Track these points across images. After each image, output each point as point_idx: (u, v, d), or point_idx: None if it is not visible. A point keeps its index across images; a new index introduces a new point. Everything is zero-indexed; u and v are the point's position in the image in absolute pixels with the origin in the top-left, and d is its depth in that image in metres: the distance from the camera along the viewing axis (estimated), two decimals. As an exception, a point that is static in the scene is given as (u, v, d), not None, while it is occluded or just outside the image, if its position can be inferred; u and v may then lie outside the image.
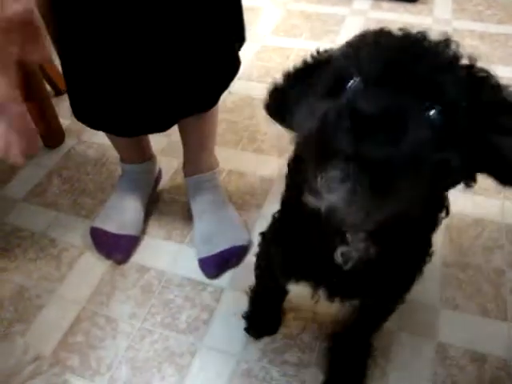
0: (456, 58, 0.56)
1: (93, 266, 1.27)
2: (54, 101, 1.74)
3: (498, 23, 2.21)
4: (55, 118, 1.66)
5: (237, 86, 1.85)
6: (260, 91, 1.92)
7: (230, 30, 1.12)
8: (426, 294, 1.17)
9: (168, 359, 1.08)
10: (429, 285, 1.19)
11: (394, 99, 0.48)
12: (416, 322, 1.12)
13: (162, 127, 1.15)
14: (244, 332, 1.10)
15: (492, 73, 0.60)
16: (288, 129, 0.67)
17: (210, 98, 1.17)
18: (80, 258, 1.29)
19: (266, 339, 1.10)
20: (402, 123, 0.47)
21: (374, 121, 0.46)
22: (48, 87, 1.78)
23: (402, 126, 0.47)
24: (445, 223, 1.30)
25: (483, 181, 1.48)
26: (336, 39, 2.15)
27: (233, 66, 1.18)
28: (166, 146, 1.60)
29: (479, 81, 0.57)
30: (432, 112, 0.50)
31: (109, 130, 1.21)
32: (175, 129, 1.25)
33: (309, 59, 0.68)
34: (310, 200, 0.54)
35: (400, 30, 0.58)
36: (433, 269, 1.22)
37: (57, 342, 1.11)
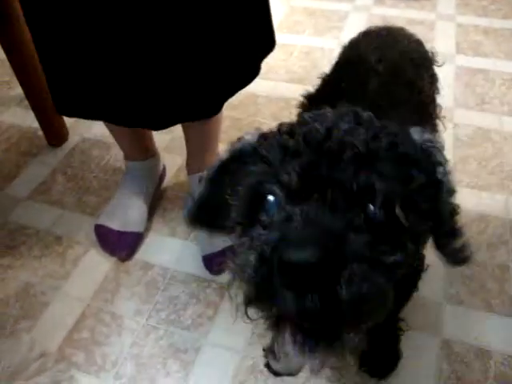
0: (376, 139, 0.53)
1: (97, 263, 1.27)
2: (58, 99, 1.74)
3: (503, 18, 2.20)
4: (59, 116, 1.66)
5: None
6: (264, 88, 1.94)
7: (251, 37, 1.06)
8: (430, 291, 1.17)
9: (173, 355, 1.08)
10: (433, 281, 1.19)
11: (323, 232, 0.45)
12: (421, 319, 1.12)
13: (159, 125, 1.12)
14: (249, 328, 1.11)
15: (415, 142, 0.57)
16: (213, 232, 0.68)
17: (215, 106, 1.13)
18: (85, 256, 1.29)
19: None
20: (337, 260, 0.44)
21: (307, 269, 0.43)
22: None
23: (341, 263, 0.45)
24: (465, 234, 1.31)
25: (487, 177, 1.49)
26: (339, 35, 2.14)
27: (248, 74, 1.12)
28: (170, 143, 1.61)
29: (408, 161, 0.54)
30: (371, 211, 0.49)
31: (95, 116, 1.16)
32: (178, 126, 1.25)
33: (224, 156, 0.64)
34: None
35: (309, 118, 0.56)
36: (437, 265, 1.21)
37: (62, 338, 1.12)
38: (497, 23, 2.16)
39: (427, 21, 2.21)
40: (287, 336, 0.50)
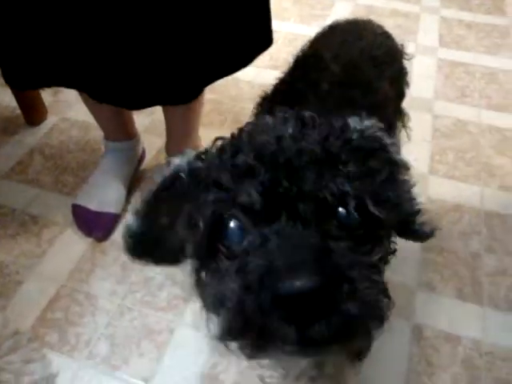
0: (328, 139, 0.50)
1: (73, 243, 1.26)
2: (38, 77, 1.71)
3: (486, 13, 2.22)
4: (37, 94, 1.64)
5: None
6: (246, 72, 1.91)
7: (244, 30, 1.02)
8: (404, 277, 1.19)
9: (147, 336, 1.08)
10: (407, 268, 1.21)
11: (309, 253, 0.42)
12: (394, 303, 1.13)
13: (133, 105, 1.09)
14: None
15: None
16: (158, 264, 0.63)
17: (194, 90, 1.09)
18: (61, 236, 1.28)
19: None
20: (334, 280, 0.42)
21: (311, 297, 0.40)
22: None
23: (337, 283, 0.42)
24: (425, 207, 1.33)
25: (464, 168, 1.51)
26: (324, 23, 2.13)
27: (233, 65, 1.08)
28: (150, 125, 1.59)
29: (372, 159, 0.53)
30: (342, 214, 0.47)
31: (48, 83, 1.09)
32: (159, 108, 1.24)
33: (155, 186, 0.59)
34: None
35: (250, 130, 0.53)
36: (412, 252, 1.24)
37: (35, 317, 1.11)
38: (480, 18, 2.18)
39: (412, 13, 2.22)
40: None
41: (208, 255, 0.51)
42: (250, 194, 0.46)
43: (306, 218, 0.45)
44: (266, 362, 1.01)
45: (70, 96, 1.74)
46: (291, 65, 1.02)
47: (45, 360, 1.01)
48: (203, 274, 0.54)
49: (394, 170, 0.56)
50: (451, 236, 1.28)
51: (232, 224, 0.47)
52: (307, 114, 0.54)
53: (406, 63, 1.15)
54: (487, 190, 1.40)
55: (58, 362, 1.03)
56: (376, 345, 1.04)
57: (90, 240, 1.26)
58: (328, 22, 2.10)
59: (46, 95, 1.71)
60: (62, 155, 1.52)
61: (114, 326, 1.10)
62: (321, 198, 0.45)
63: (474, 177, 1.43)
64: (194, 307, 1.13)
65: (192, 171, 0.55)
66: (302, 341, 0.42)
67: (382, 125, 0.58)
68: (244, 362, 1.04)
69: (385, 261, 0.53)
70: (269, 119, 0.54)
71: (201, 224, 0.49)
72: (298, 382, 0.91)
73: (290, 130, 0.50)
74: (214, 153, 0.54)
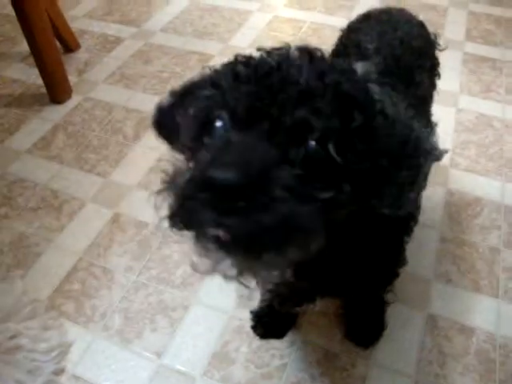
0: (321, 76, 0.53)
1: (92, 218, 1.28)
2: (64, 58, 1.74)
3: (517, 9, 2.18)
4: (64, 74, 1.66)
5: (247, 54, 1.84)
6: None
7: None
8: (421, 267, 1.18)
9: (161, 312, 1.09)
10: (424, 258, 1.20)
11: (255, 152, 0.46)
12: (409, 293, 1.13)
13: None
14: (237, 290, 1.12)
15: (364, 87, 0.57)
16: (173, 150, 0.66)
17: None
18: (80, 211, 1.30)
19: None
20: (264, 183, 0.45)
21: (234, 190, 0.44)
22: (58, 44, 1.77)
23: (266, 186, 0.45)
24: (445, 200, 1.32)
25: (486, 162, 1.49)
26: (350, 14, 2.12)
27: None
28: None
29: (351, 100, 0.53)
30: (310, 145, 0.49)
31: None
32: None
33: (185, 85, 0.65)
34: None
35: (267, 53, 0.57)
36: (429, 243, 1.23)
37: (53, 288, 1.13)
38: (509, 13, 2.14)
39: (440, 6, 2.19)
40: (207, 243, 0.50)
41: (194, 148, 0.55)
42: (238, 99, 0.50)
43: (273, 137, 0.49)
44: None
45: (95, 76, 1.76)
46: (331, 53, 1.02)
47: (61, 328, 1.03)
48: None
49: (374, 122, 0.55)
50: (470, 229, 1.26)
51: (217, 123, 0.52)
52: (320, 52, 0.58)
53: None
54: (509, 186, 1.38)
55: (73, 331, 1.05)
56: (389, 332, 1.05)
57: (108, 216, 1.28)
58: (355, 12, 2.11)
59: (72, 75, 1.73)
60: (85, 133, 1.54)
61: (129, 300, 1.11)
62: (287, 124, 0.49)
63: (496, 172, 1.41)
64: (209, 286, 1.14)
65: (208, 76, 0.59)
66: (218, 226, 0.46)
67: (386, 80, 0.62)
68: (256, 341, 1.04)
69: (338, 207, 0.53)
70: (288, 48, 0.58)
71: (192, 114, 0.55)
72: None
73: (296, 62, 0.54)
74: (227, 63, 0.58)
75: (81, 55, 1.89)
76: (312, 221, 0.49)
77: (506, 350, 1.04)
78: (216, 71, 0.59)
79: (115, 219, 1.28)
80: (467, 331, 1.07)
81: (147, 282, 1.15)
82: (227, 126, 0.51)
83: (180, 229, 0.51)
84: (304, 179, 0.49)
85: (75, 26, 2.00)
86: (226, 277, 0.53)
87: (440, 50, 1.14)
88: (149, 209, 1.30)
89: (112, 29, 2.04)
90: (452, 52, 1.89)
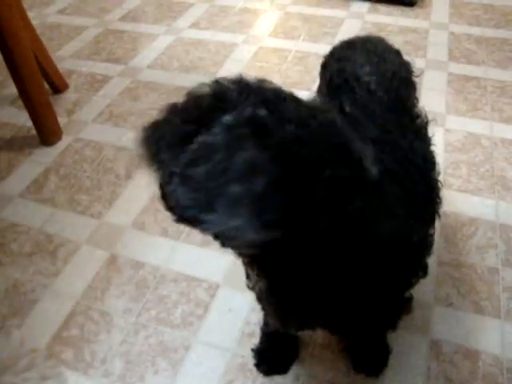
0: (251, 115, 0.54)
1: (88, 261, 1.27)
2: (52, 99, 1.75)
3: (495, 27, 2.23)
4: (53, 115, 1.66)
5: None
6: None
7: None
8: (421, 292, 1.17)
9: (162, 354, 1.08)
10: (424, 283, 1.19)
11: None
12: (411, 319, 1.12)
13: None
14: (239, 327, 1.11)
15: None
16: None
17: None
18: (75, 254, 1.29)
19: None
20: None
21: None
22: (46, 85, 1.78)
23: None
24: (440, 222, 1.32)
25: (478, 181, 1.50)
26: (333, 41, 2.16)
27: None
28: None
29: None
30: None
31: None
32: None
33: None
34: None
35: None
36: (428, 267, 1.23)
37: (51, 335, 1.11)
38: (489, 32, 2.19)
39: (420, 29, 2.23)
40: None
41: None
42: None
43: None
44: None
45: (84, 116, 1.77)
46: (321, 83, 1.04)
47: (61, 377, 1.01)
48: None
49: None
50: (467, 250, 1.26)
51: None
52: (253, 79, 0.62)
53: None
54: (502, 203, 1.38)
55: (73, 379, 1.03)
56: (393, 361, 1.04)
57: (104, 258, 1.27)
58: (337, 39, 2.14)
59: (61, 116, 1.74)
60: (76, 175, 1.53)
61: (129, 343, 1.09)
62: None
63: (488, 190, 1.42)
64: (209, 324, 1.12)
65: None
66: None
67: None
68: (260, 379, 1.03)
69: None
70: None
71: None
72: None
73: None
74: None
75: (69, 95, 1.90)
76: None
77: (513, 372, 1.04)
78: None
79: (111, 261, 1.27)
80: (472, 355, 1.06)
81: (146, 324, 1.13)
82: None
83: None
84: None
85: (63, 66, 2.02)
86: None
87: (416, 77, 1.16)
88: (145, 248, 1.30)
89: (99, 67, 2.06)
90: (437, 73, 1.92)
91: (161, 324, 1.13)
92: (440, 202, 0.95)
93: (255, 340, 1.08)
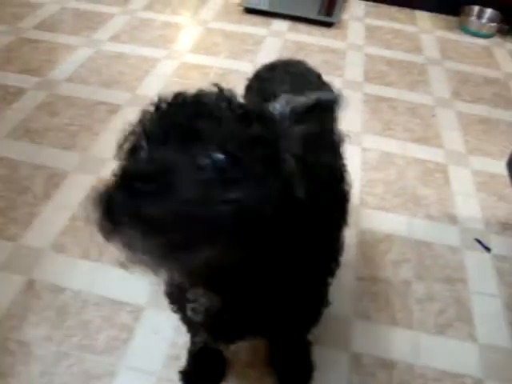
0: (224, 108, 0.59)
1: (3, 287, 1.20)
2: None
3: (405, 51, 2.38)
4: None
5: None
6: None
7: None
8: (340, 307, 1.23)
9: (86, 382, 1.04)
10: (343, 298, 1.25)
11: (163, 155, 0.53)
12: (331, 334, 1.17)
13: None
14: (164, 350, 1.10)
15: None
16: None
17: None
18: (-11, 280, 1.22)
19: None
20: (169, 177, 0.51)
21: (143, 178, 0.50)
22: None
23: (170, 180, 0.51)
24: (358, 239, 1.39)
25: (392, 199, 1.59)
26: (254, 58, 2.21)
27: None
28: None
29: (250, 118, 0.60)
30: (214, 155, 0.54)
31: None
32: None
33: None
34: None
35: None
36: (347, 282, 1.29)
37: (-38, 370, 1.05)
38: (400, 56, 2.34)
39: (338, 49, 2.33)
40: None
41: None
42: (153, 128, 0.57)
43: (187, 147, 0.55)
44: None
45: (-2, 132, 1.68)
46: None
47: (-26, 416, 0.95)
48: None
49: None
50: (383, 265, 1.34)
51: (141, 152, 0.57)
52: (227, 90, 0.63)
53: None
54: (414, 220, 1.48)
55: (-12, 417, 0.98)
56: (317, 374, 1.08)
57: (22, 283, 1.21)
58: (258, 56, 2.20)
59: (-30, 131, 1.64)
60: (-11, 194, 1.45)
61: (50, 373, 1.05)
62: (196, 136, 0.55)
63: (402, 207, 1.52)
64: (134, 348, 1.11)
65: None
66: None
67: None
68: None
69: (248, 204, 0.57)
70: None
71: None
72: None
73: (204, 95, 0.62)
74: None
75: (-21, 109, 1.80)
76: (220, 217, 0.53)
77: (425, 379, 1.11)
78: (144, 112, 0.63)
79: (29, 286, 1.21)
80: (389, 365, 1.13)
81: (69, 351, 1.09)
82: (145, 148, 0.57)
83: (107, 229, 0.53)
84: (214, 182, 0.53)
85: (-29, 77, 1.91)
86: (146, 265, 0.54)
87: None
88: (65, 272, 1.25)
89: (12, 79, 1.96)
90: (353, 93, 2.02)
91: (84, 351, 1.09)
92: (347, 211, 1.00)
93: (181, 362, 1.08)
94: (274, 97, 0.99)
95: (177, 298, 0.83)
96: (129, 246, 0.52)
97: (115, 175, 0.53)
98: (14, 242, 1.31)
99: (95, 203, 0.53)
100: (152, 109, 0.61)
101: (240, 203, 0.54)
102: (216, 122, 0.56)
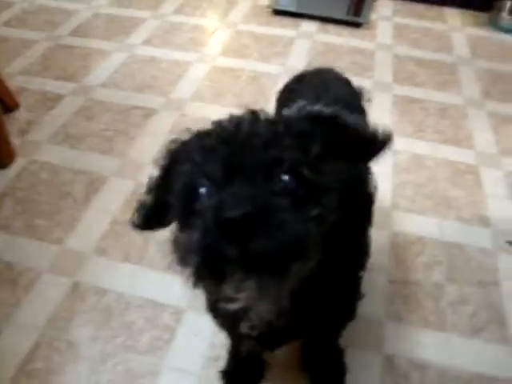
0: (274, 124, 0.62)
1: (50, 289, 1.27)
2: (4, 118, 1.71)
3: (434, 51, 2.37)
4: (4, 136, 1.64)
5: (190, 108, 1.90)
6: (213, 112, 2.00)
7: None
8: (373, 310, 1.25)
9: (131, 381, 1.10)
10: (376, 301, 1.27)
11: (245, 193, 0.54)
12: (363, 336, 1.20)
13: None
14: (204, 351, 1.15)
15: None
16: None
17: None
18: (37, 282, 1.28)
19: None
20: (264, 212, 0.52)
21: (243, 222, 0.50)
22: (-3, 105, 1.75)
23: (268, 214, 0.52)
24: (390, 241, 1.42)
25: (423, 201, 1.60)
26: (284, 61, 2.23)
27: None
28: (122, 167, 1.63)
29: (314, 135, 0.63)
30: (285, 179, 0.57)
31: None
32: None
33: (162, 162, 0.71)
34: (226, 307, 0.59)
35: (225, 120, 0.64)
36: (379, 285, 1.31)
37: (16, 368, 1.11)
38: (429, 55, 2.33)
39: (367, 50, 2.34)
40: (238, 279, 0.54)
41: (184, 217, 0.61)
42: (213, 165, 0.58)
43: (255, 180, 0.56)
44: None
45: (38, 137, 1.75)
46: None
47: (29, 412, 1.01)
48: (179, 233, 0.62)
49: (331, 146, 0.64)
50: (415, 268, 1.36)
51: (201, 190, 0.59)
52: (261, 111, 0.65)
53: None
54: (446, 222, 1.49)
55: (41, 413, 1.04)
56: (350, 377, 1.11)
57: (67, 286, 1.27)
58: (289, 59, 2.22)
59: (14, 137, 1.71)
60: (34, 199, 1.52)
61: (97, 372, 1.11)
62: (264, 164, 0.57)
63: (433, 209, 1.53)
64: (176, 348, 1.16)
65: (176, 153, 0.67)
66: (242, 258, 0.51)
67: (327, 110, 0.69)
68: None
69: (325, 217, 0.60)
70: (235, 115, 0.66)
71: (177, 190, 0.62)
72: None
73: (247, 121, 0.62)
74: (192, 138, 0.66)
75: (21, 115, 1.87)
76: (313, 236, 0.56)
77: (459, 381, 1.13)
78: (185, 144, 0.66)
79: (74, 288, 1.27)
80: (422, 367, 1.15)
81: (113, 351, 1.15)
82: (210, 189, 0.58)
83: (207, 281, 0.56)
84: (292, 203, 0.56)
85: (12, 83, 1.97)
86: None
87: (366, 102, 1.24)
88: (108, 274, 1.31)
89: (51, 85, 2.03)
90: (383, 94, 2.03)
91: (128, 351, 1.15)
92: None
93: (220, 363, 1.12)
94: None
95: (222, 313, 0.83)
96: (241, 290, 0.55)
97: (203, 220, 0.54)
98: (59, 245, 1.38)
99: (190, 253, 0.54)
100: (196, 143, 0.62)
101: (322, 215, 0.58)
102: (276, 147, 0.58)
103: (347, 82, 1.23)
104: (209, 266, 0.54)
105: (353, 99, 1.16)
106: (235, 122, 0.63)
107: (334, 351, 1.13)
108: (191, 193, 0.59)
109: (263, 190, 0.55)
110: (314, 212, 0.57)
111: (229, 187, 0.55)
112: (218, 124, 0.64)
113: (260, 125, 0.62)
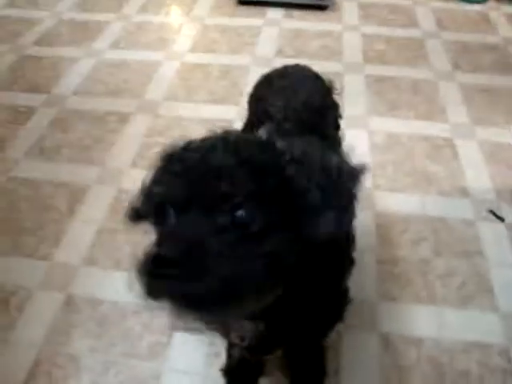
0: (234, 156, 0.62)
1: (44, 305, 1.27)
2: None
3: (401, 27, 2.39)
4: (-19, 156, 1.62)
5: (164, 108, 1.90)
6: (188, 110, 1.98)
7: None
8: (364, 290, 1.28)
9: (134, 387, 1.11)
10: (366, 281, 1.30)
11: (189, 229, 0.57)
12: (358, 317, 1.22)
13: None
14: (204, 350, 1.16)
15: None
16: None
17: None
18: (30, 300, 1.28)
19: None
20: (195, 252, 0.55)
21: (170, 262, 0.54)
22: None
23: (198, 254, 0.55)
24: (374, 222, 1.44)
25: (403, 179, 1.63)
26: (254, 51, 2.23)
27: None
28: (102, 174, 1.62)
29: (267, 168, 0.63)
30: (238, 214, 0.58)
31: None
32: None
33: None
34: None
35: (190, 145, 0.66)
36: (368, 266, 1.34)
37: (19, 388, 1.12)
38: (397, 32, 2.35)
39: (335, 32, 2.35)
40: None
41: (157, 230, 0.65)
42: (176, 191, 0.61)
43: (209, 211, 0.58)
44: None
45: (14, 153, 1.73)
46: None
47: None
48: None
49: (286, 174, 0.64)
50: (402, 245, 1.39)
51: (170, 210, 0.62)
52: (233, 136, 0.67)
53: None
54: (427, 198, 1.52)
55: (49, 429, 1.05)
56: (347, 357, 1.14)
57: (61, 300, 1.27)
58: (258, 49, 2.22)
59: (-10, 155, 1.69)
60: (15, 217, 1.51)
61: (100, 382, 1.12)
62: (218, 197, 0.59)
63: (414, 186, 1.56)
64: (176, 350, 1.17)
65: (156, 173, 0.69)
66: (173, 294, 0.55)
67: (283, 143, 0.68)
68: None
69: (285, 253, 0.61)
70: (208, 139, 0.67)
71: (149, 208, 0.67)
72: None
73: (212, 149, 0.64)
74: (167, 159, 0.68)
75: (-6, 132, 1.85)
76: (254, 273, 0.57)
77: (452, 352, 1.16)
78: (159, 168, 0.67)
79: (68, 301, 1.27)
80: (417, 342, 1.18)
81: (115, 359, 1.16)
82: (173, 212, 0.61)
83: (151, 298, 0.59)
84: (242, 240, 0.57)
85: (-20, 100, 1.95)
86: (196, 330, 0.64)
87: (337, 95, 1.25)
88: (100, 284, 1.31)
89: (21, 98, 2.01)
90: (355, 75, 2.05)
91: (129, 357, 1.16)
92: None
93: (222, 359, 1.14)
94: (269, 118, 1.04)
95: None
96: (177, 315, 0.58)
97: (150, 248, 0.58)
98: (48, 261, 1.38)
99: (138, 273, 0.59)
100: (168, 167, 0.65)
101: (273, 252, 0.58)
102: (228, 179, 0.59)
103: (315, 78, 1.21)
104: (149, 290, 0.58)
105: (323, 97, 1.15)
106: (204, 149, 0.64)
107: (318, 352, 1.14)
108: (162, 211, 0.62)
109: (211, 224, 0.57)
110: (267, 248, 0.58)
111: (184, 215, 0.59)
112: (189, 148, 0.66)
113: (224, 156, 0.62)
